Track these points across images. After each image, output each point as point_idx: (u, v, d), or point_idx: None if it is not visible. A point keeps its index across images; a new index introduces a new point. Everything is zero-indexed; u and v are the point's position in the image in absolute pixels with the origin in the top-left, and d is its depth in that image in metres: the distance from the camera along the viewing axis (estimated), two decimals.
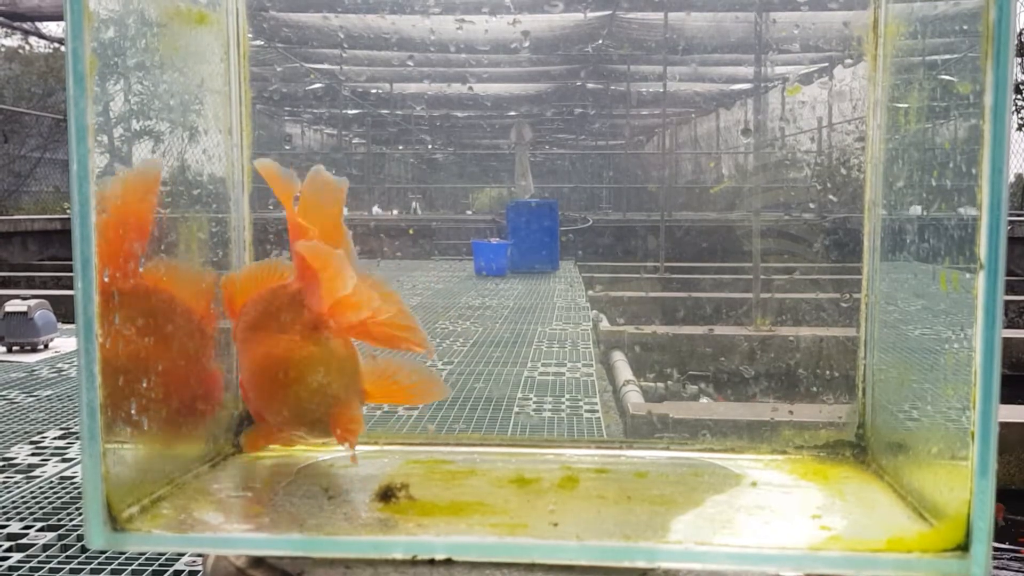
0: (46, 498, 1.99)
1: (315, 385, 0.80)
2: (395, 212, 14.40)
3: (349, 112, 15.27)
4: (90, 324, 0.65)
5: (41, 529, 1.80)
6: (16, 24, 12.28)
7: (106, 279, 0.68)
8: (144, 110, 0.81)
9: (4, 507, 1.93)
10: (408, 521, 0.71)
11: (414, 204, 15.39)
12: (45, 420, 2.71)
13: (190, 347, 0.83)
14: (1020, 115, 11.70)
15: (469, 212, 14.36)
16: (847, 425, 0.90)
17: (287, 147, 14.32)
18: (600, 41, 10.71)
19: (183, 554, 1.61)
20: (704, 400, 4.12)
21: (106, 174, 0.70)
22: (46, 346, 3.98)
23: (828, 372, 1.08)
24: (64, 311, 4.44)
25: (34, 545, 1.71)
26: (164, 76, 0.83)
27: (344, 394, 0.81)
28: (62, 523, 1.83)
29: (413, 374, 0.84)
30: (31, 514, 1.88)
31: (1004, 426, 2.90)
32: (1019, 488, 3.12)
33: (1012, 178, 11.25)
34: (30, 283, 7.37)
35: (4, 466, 2.24)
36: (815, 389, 1.10)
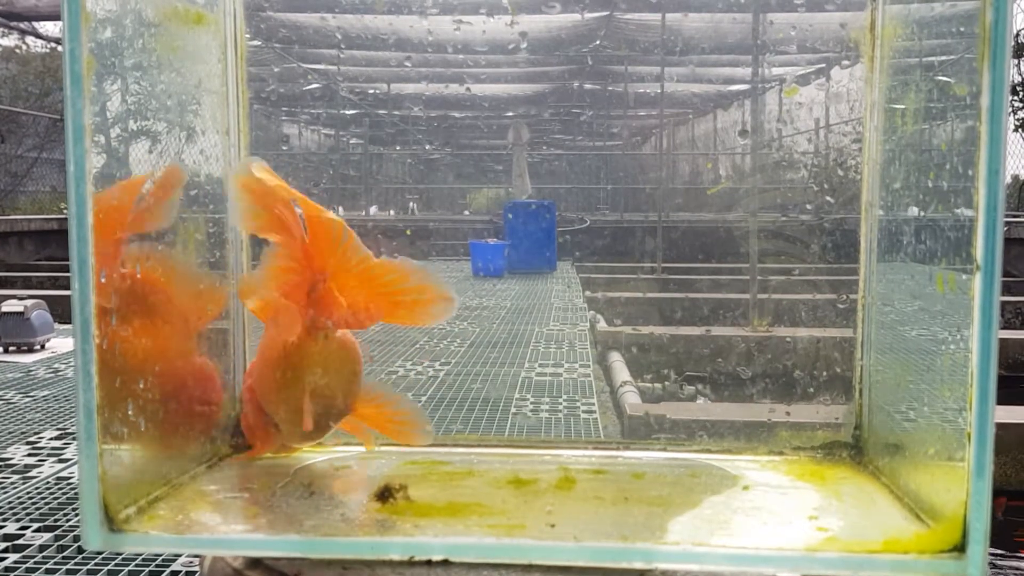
0: (43, 499, 1.98)
1: (302, 385, 0.80)
2: (392, 213, 14.39)
3: (346, 112, 15.26)
4: (87, 325, 0.65)
5: (37, 530, 1.80)
6: (13, 24, 12.27)
7: (103, 280, 0.68)
8: (141, 110, 0.80)
9: (0, 508, 1.92)
10: (405, 522, 0.71)
11: (411, 205, 15.39)
12: (42, 421, 2.71)
13: (187, 348, 0.83)
14: (1017, 116, 11.72)
15: (466, 213, 14.35)
16: (844, 426, 0.90)
17: (284, 147, 14.31)
18: (597, 42, 10.72)
19: (180, 555, 1.60)
20: (701, 401, 4.13)
21: (103, 175, 0.70)
22: (43, 346, 3.97)
23: (825, 373, 1.08)
24: (61, 311, 4.44)
25: (31, 546, 1.71)
26: (161, 76, 0.83)
27: (335, 398, 0.81)
28: (58, 524, 1.83)
29: (405, 410, 0.83)
30: (27, 515, 1.88)
31: (1000, 427, 2.90)
32: (1016, 488, 3.12)
33: (1008, 179, 11.27)
34: (27, 283, 7.37)
35: (0, 466, 2.24)
36: (812, 390, 1.10)
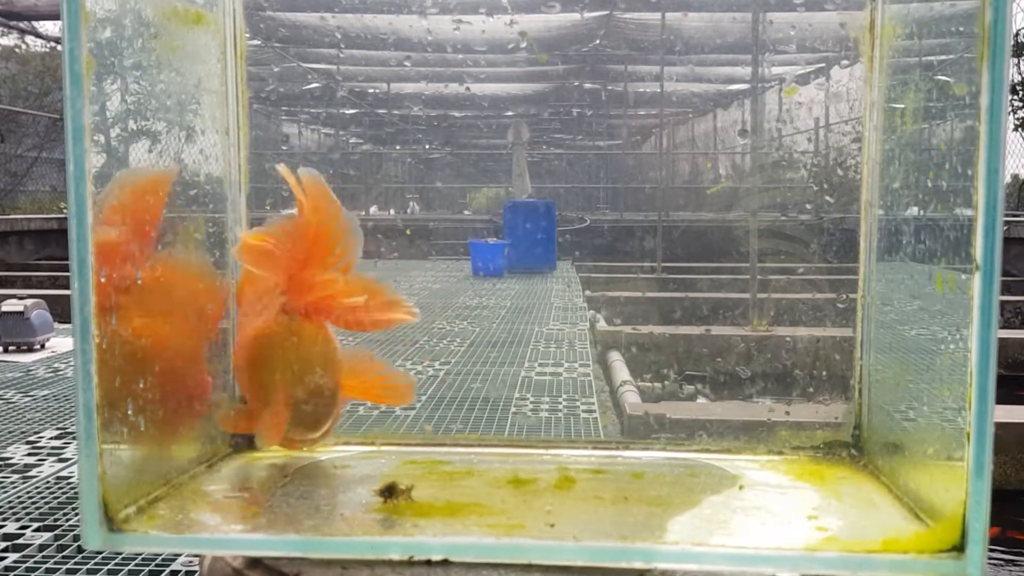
0: (42, 498, 1.98)
1: (281, 370, 0.79)
2: (392, 212, 14.39)
3: (346, 112, 15.26)
4: (87, 324, 0.65)
5: (37, 529, 1.80)
6: (12, 23, 12.26)
7: (103, 279, 0.68)
8: (141, 110, 0.80)
9: (0, 507, 1.92)
10: (405, 521, 0.71)
11: (411, 204, 15.39)
12: (41, 420, 2.71)
13: (186, 347, 0.83)
14: (1016, 116, 11.71)
15: (466, 212, 14.35)
16: (843, 426, 0.90)
17: (284, 147, 14.31)
18: (597, 41, 10.71)
19: (179, 555, 1.60)
20: (701, 400, 4.12)
21: (103, 174, 0.70)
22: (42, 346, 3.97)
23: (824, 373, 1.08)
24: (61, 311, 4.44)
25: (30, 545, 1.71)
26: (161, 76, 0.83)
27: (316, 385, 0.80)
28: (58, 523, 1.83)
29: (389, 373, 0.85)
30: (27, 514, 1.88)
31: (1000, 426, 2.90)
32: (1015, 488, 3.12)
33: (1008, 179, 11.26)
34: (27, 283, 7.37)
35: (0, 466, 2.24)
36: (811, 390, 1.10)
